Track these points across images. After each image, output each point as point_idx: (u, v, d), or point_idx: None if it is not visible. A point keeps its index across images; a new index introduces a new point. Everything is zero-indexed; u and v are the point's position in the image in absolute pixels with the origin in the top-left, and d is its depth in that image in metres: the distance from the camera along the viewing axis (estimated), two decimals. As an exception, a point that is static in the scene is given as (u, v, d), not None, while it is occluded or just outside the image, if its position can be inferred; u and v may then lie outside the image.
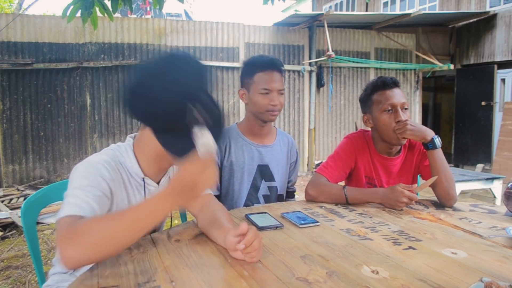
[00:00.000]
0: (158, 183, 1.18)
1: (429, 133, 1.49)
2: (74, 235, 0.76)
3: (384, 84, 1.57)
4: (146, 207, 0.79)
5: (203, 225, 1.11)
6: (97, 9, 2.70)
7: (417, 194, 1.48)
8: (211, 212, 1.12)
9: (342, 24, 7.00)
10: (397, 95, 1.54)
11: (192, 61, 0.97)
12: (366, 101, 1.64)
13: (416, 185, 1.38)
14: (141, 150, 1.11)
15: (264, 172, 1.65)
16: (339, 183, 1.62)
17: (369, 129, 1.71)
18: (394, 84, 1.56)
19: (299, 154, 2.09)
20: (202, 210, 1.19)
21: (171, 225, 1.29)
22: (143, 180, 1.12)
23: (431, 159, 1.50)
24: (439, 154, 1.49)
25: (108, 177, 1.00)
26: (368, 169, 1.66)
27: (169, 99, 0.91)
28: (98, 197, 0.93)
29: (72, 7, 2.63)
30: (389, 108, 1.54)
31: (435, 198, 1.54)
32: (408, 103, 1.58)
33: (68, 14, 2.67)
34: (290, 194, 1.80)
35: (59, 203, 0.94)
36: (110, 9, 2.71)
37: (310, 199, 1.54)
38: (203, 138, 0.84)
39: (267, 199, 1.66)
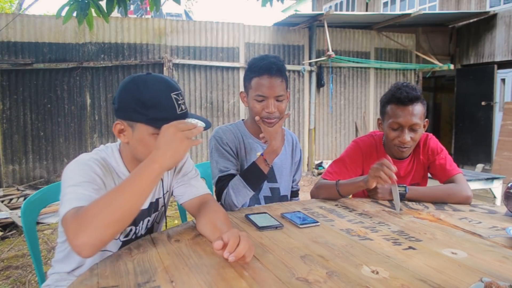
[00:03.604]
0: None
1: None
2: (82, 223, 0.79)
3: (398, 100, 1.51)
4: (138, 175, 0.84)
5: (201, 227, 1.11)
6: (92, 10, 2.70)
7: (405, 189, 1.50)
8: (208, 213, 1.12)
9: (342, 24, 7.00)
10: (408, 114, 1.49)
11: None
12: (382, 106, 1.63)
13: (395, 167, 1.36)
14: (125, 149, 1.12)
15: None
16: None
17: (379, 129, 1.73)
18: (410, 101, 1.49)
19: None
20: (200, 211, 1.18)
21: (166, 226, 1.29)
22: None
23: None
24: (419, 192, 1.52)
25: (100, 173, 1.02)
26: None
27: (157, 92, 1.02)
28: (96, 190, 0.95)
29: (67, 8, 2.63)
30: (396, 127, 1.53)
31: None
32: (421, 123, 1.53)
33: (63, 14, 2.67)
34: (294, 194, 1.77)
35: (59, 203, 0.95)
36: (105, 11, 2.71)
37: (313, 196, 1.64)
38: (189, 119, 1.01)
39: (269, 201, 1.62)
